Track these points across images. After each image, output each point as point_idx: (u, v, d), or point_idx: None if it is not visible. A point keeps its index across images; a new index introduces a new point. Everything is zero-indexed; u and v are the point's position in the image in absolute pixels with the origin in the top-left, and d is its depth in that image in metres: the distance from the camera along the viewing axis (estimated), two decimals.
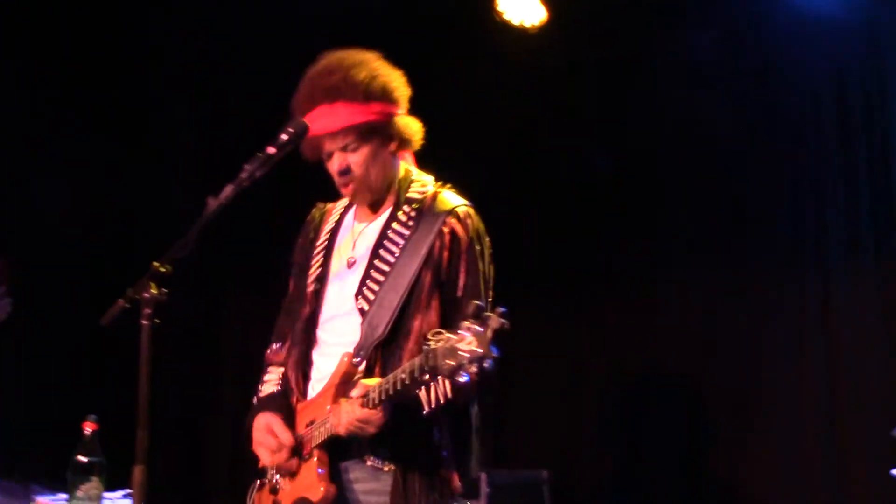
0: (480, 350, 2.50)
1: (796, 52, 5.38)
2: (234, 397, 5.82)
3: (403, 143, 3.11)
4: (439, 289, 2.97)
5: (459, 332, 2.54)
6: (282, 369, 3.20)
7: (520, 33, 5.42)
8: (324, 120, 2.99)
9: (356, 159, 3.02)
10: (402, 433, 2.87)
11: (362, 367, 2.94)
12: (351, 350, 2.97)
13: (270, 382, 3.21)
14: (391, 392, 2.73)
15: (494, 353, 2.50)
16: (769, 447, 5.24)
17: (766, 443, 5.25)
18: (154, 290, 2.67)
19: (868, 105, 5.20)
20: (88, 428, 3.36)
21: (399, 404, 2.80)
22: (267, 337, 5.70)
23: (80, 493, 3.28)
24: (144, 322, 2.66)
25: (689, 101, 5.62)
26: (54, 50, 5.53)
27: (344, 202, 3.25)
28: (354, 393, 2.82)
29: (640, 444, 5.54)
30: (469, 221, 3.04)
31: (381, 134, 3.04)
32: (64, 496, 3.31)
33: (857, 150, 5.22)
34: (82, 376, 5.39)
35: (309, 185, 5.68)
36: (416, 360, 2.66)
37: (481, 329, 2.51)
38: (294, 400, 3.11)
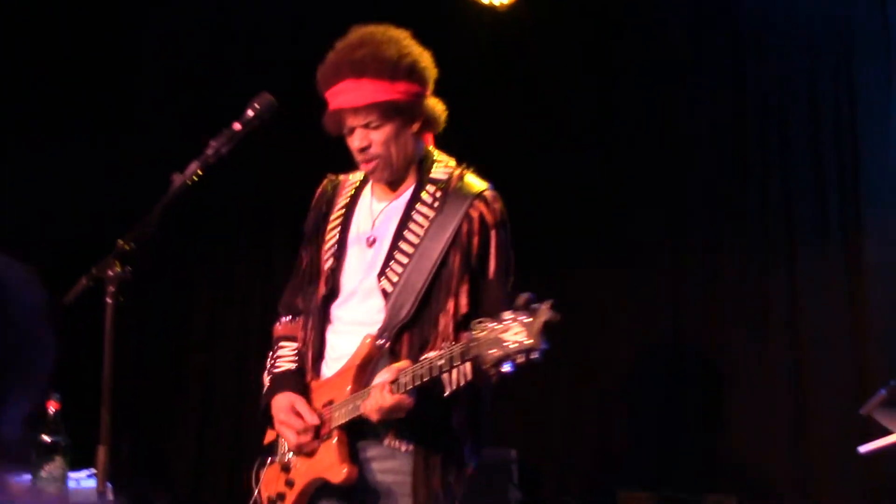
0: (530, 341, 2.49)
1: (771, 46, 5.40)
2: (200, 376, 5.79)
3: (427, 124, 3.05)
4: (468, 272, 2.94)
5: (504, 321, 2.52)
6: (296, 344, 3.13)
7: (489, 12, 5.38)
8: (348, 95, 2.94)
9: (378, 137, 2.97)
10: (423, 415, 2.84)
11: (386, 348, 2.90)
12: (372, 331, 2.92)
13: (285, 358, 3.13)
14: (425, 378, 2.70)
15: (544, 345, 2.49)
16: (737, 425, 5.27)
17: (733, 420, 5.28)
18: (118, 268, 2.64)
19: (837, 81, 5.24)
20: (52, 407, 3.33)
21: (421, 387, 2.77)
22: (236, 316, 5.75)
23: (43, 473, 3.25)
24: (109, 300, 2.63)
25: (662, 86, 5.62)
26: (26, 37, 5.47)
27: (358, 176, 3.19)
28: (383, 377, 2.77)
29: (609, 422, 5.56)
30: (496, 206, 3.01)
31: (405, 113, 2.98)
32: (27, 476, 3.27)
33: (826, 133, 5.25)
34: None
35: (278, 159, 5.74)
36: (457, 348, 2.63)
37: (530, 319, 2.49)
38: (308, 378, 3.06)
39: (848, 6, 5.25)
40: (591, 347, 5.65)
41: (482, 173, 3.07)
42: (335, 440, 2.91)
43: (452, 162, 3.12)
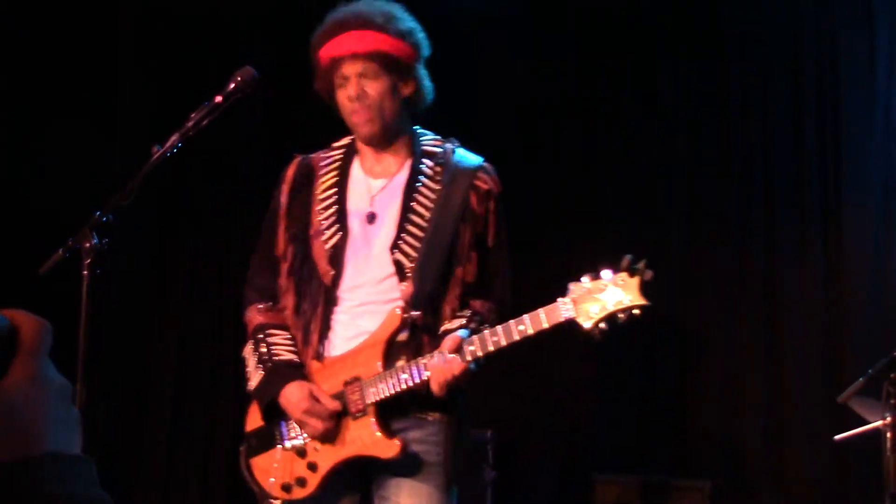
0: (631, 299, 2.64)
1: (751, 18, 5.39)
2: (176, 350, 5.74)
3: (418, 93, 3.09)
4: (476, 242, 3.01)
5: (602, 281, 2.67)
6: (287, 332, 3.08)
7: None
8: (351, 42, 2.99)
9: (374, 89, 3.00)
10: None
11: (416, 321, 2.92)
12: (386, 308, 2.94)
13: (281, 346, 3.06)
14: (503, 345, 2.77)
15: (647, 302, 2.62)
16: (713, 410, 5.27)
17: (709, 406, 5.28)
18: (95, 240, 2.61)
19: (820, 74, 5.22)
20: None
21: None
22: (213, 290, 5.70)
23: None
24: (85, 272, 2.60)
25: (645, 60, 5.59)
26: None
27: (335, 154, 3.17)
28: (447, 346, 2.81)
29: (584, 405, 5.55)
30: (496, 177, 3.09)
31: (400, 72, 3.03)
32: None
33: (807, 116, 5.24)
34: None
35: (267, 134, 5.70)
36: (544, 313, 2.74)
37: (630, 278, 2.63)
38: (310, 361, 3.03)
39: None
40: (566, 327, 5.61)
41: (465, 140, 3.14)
42: (372, 417, 2.90)
43: (437, 136, 3.15)
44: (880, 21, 5.14)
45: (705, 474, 4.89)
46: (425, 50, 3.09)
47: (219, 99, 2.78)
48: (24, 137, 5.51)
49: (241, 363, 3.16)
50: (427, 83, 3.10)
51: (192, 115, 2.76)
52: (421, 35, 3.08)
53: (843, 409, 4.04)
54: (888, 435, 3.57)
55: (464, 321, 2.92)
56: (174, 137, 2.74)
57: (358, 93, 2.99)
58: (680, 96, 5.52)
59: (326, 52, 3.03)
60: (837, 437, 4.02)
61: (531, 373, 5.67)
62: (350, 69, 2.99)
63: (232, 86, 2.80)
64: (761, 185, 5.29)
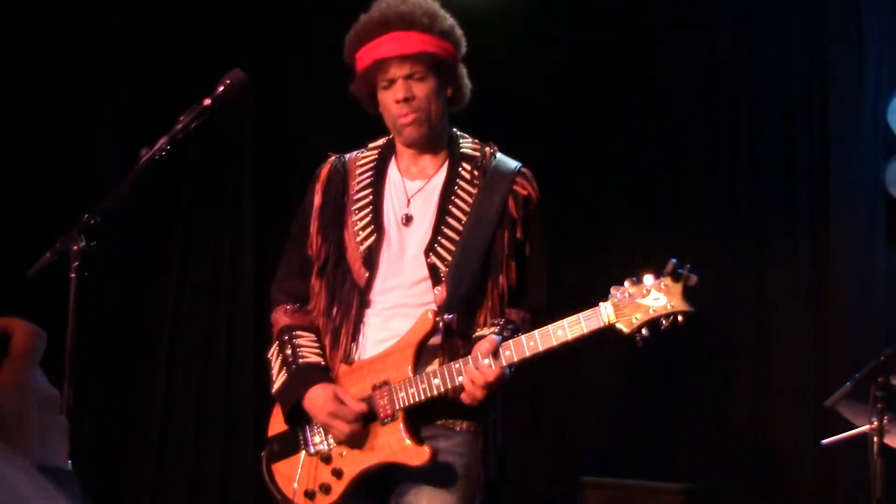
0: (673, 305, 2.57)
1: (744, 22, 5.39)
2: (166, 351, 5.72)
3: (457, 92, 3.06)
4: (515, 247, 2.96)
5: (644, 286, 2.59)
6: (314, 335, 3.03)
7: None
8: (396, 44, 2.93)
9: (421, 90, 2.95)
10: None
11: (450, 324, 2.87)
12: (418, 312, 2.88)
13: (307, 349, 3.00)
14: (540, 350, 2.70)
15: (691, 308, 2.57)
16: (701, 414, 5.27)
17: (697, 410, 5.28)
18: (83, 243, 2.59)
19: (810, 81, 5.23)
20: None
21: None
22: (206, 292, 5.67)
23: None
24: (72, 275, 2.59)
25: (643, 59, 5.58)
26: None
27: (369, 154, 3.13)
28: (482, 349, 2.75)
29: (572, 408, 5.53)
30: (535, 183, 3.05)
31: (445, 74, 3.00)
32: None
33: (796, 120, 5.24)
34: None
35: (260, 137, 5.68)
36: (583, 318, 2.66)
37: (673, 283, 2.57)
38: (338, 364, 2.97)
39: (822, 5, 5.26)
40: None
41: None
42: (401, 423, 2.83)
43: (475, 139, 3.12)
44: (868, 25, 5.15)
45: (694, 478, 4.89)
46: (463, 47, 3.06)
47: (207, 102, 2.78)
48: (22, 137, 5.48)
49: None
50: (466, 82, 3.08)
51: (181, 118, 2.76)
52: (459, 32, 3.04)
53: (832, 414, 4.04)
54: (875, 439, 3.57)
55: (497, 329, 2.87)
56: (162, 140, 2.73)
57: (407, 95, 2.94)
58: (673, 99, 5.52)
59: (368, 52, 2.97)
60: (825, 441, 4.02)
61: (520, 375, 5.66)
62: (397, 71, 2.94)
63: (221, 89, 2.79)
64: (750, 189, 5.29)
